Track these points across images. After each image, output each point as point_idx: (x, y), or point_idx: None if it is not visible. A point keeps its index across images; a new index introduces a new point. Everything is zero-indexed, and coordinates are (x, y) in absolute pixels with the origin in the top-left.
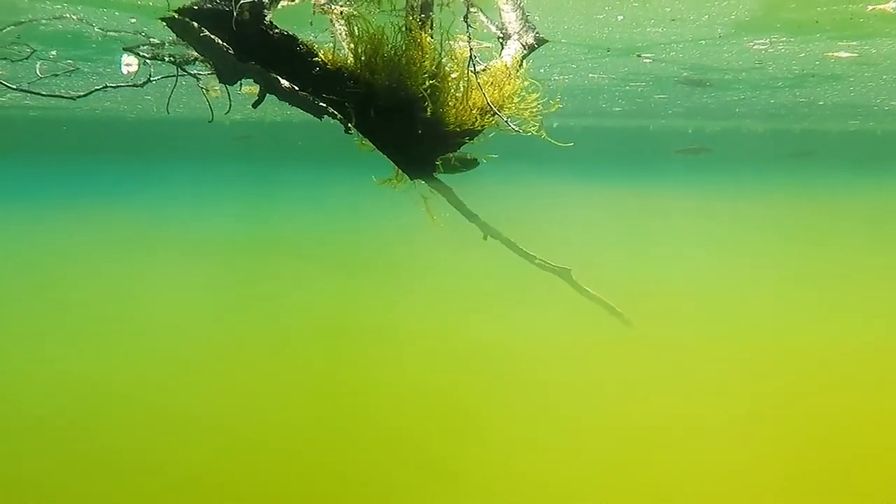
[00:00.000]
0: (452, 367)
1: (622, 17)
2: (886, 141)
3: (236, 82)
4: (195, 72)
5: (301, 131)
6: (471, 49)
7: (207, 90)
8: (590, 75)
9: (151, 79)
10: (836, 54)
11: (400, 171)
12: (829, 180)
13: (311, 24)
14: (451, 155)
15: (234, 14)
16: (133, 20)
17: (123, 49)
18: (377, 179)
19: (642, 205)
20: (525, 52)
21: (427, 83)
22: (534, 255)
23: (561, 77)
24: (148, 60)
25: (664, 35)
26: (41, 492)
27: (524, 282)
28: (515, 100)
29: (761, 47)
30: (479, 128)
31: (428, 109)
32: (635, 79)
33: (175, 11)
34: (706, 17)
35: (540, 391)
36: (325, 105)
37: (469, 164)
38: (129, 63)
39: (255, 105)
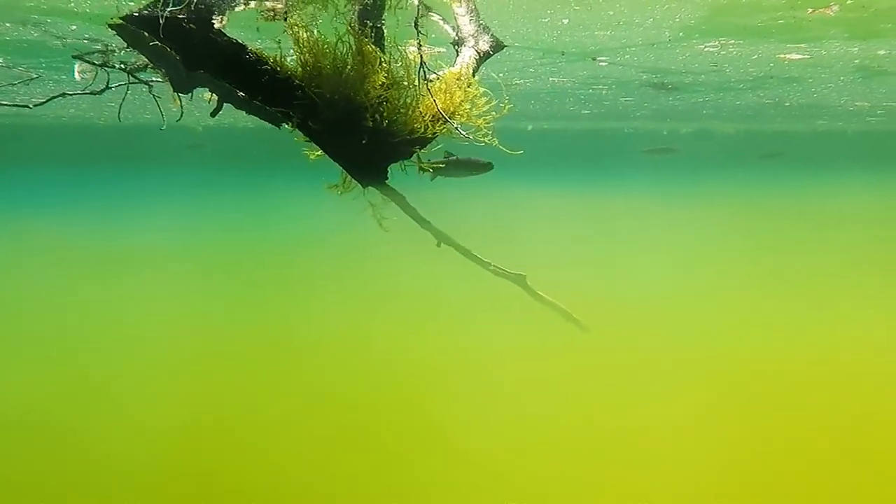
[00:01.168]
0: (410, 377)
1: (567, 21)
2: (856, 141)
3: (190, 91)
4: (148, 79)
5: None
6: (421, 56)
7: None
8: (550, 79)
9: (110, 86)
10: (787, 56)
11: (350, 178)
12: (795, 181)
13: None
14: (461, 158)
15: (184, 22)
16: (73, 27)
17: (73, 56)
18: (326, 186)
19: (607, 208)
20: (480, 58)
21: (374, 93)
22: (488, 261)
23: (522, 81)
24: (100, 67)
25: (614, 38)
26: None
27: (484, 290)
28: (467, 107)
29: (712, 49)
30: (430, 135)
31: (377, 118)
32: (596, 82)
33: (121, 18)
34: (651, 20)
35: (499, 398)
36: (276, 113)
37: (483, 167)
38: (83, 70)
39: (213, 114)
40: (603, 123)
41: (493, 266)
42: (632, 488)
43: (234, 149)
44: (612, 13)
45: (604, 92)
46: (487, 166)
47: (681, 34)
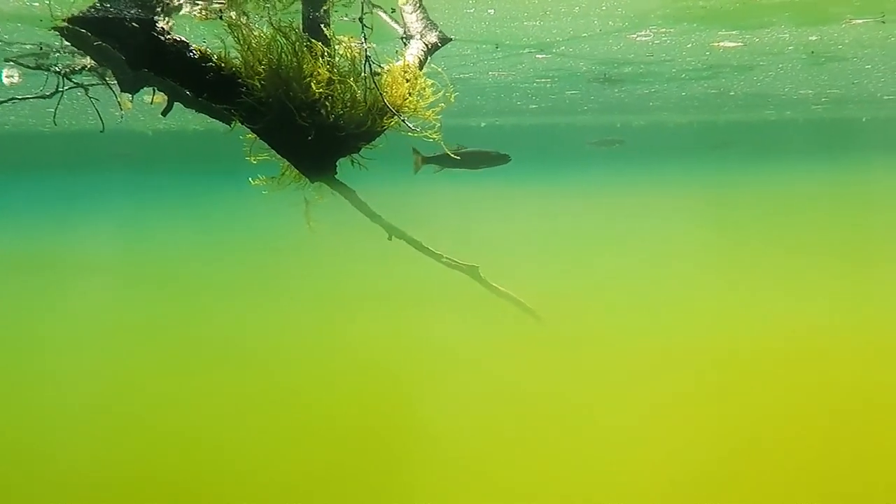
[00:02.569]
0: (369, 374)
1: (493, 12)
2: (806, 130)
3: (138, 90)
4: (87, 82)
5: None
6: (366, 51)
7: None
8: (490, 73)
9: (60, 90)
10: (721, 44)
11: (286, 174)
12: (742, 170)
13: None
14: (475, 151)
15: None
16: None
17: (4, 60)
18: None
19: (556, 201)
20: (427, 51)
21: (319, 88)
22: (440, 253)
23: (463, 76)
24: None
25: (544, 29)
26: None
27: (438, 285)
28: (414, 100)
29: (645, 38)
30: (378, 129)
31: (322, 113)
32: (537, 75)
33: (65, 20)
34: (577, 8)
35: (460, 394)
36: (223, 111)
37: (500, 159)
38: (11, 75)
39: (163, 113)
40: (555, 118)
41: (446, 258)
42: (598, 479)
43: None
44: (536, 1)
45: (548, 85)
46: (504, 158)
47: (609, 23)
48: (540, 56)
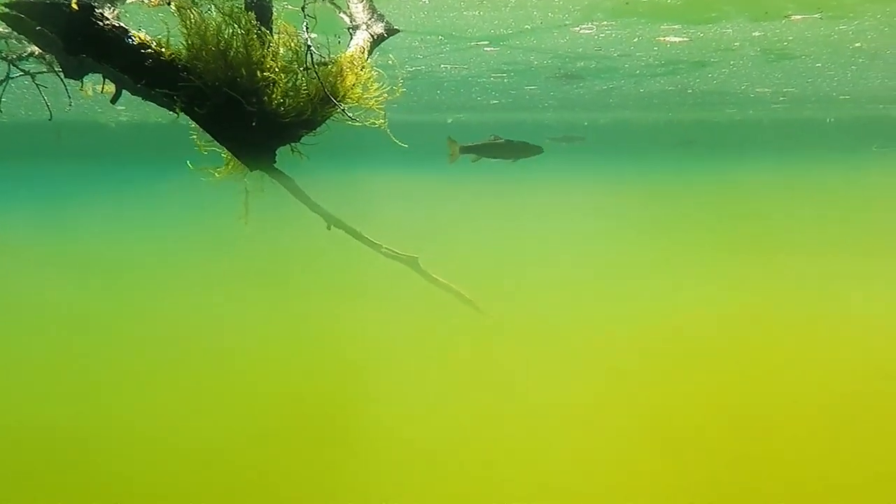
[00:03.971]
0: (307, 370)
1: (427, 0)
2: (771, 129)
3: (82, 77)
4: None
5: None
6: (308, 40)
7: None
8: (443, 66)
9: (10, 76)
10: (667, 39)
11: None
12: (694, 168)
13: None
14: (510, 142)
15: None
16: None
17: None
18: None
19: (508, 196)
20: (374, 41)
21: (261, 75)
22: (380, 244)
23: (418, 68)
24: None
25: (486, 20)
26: None
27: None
28: (359, 90)
29: (589, 32)
30: (319, 118)
31: (263, 101)
32: (490, 69)
33: (4, 5)
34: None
35: (396, 386)
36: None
37: (534, 150)
38: None
39: (113, 101)
40: (520, 114)
41: (386, 248)
42: (545, 468)
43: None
44: None
45: (506, 80)
46: (537, 150)
47: (550, 14)
48: (489, 49)
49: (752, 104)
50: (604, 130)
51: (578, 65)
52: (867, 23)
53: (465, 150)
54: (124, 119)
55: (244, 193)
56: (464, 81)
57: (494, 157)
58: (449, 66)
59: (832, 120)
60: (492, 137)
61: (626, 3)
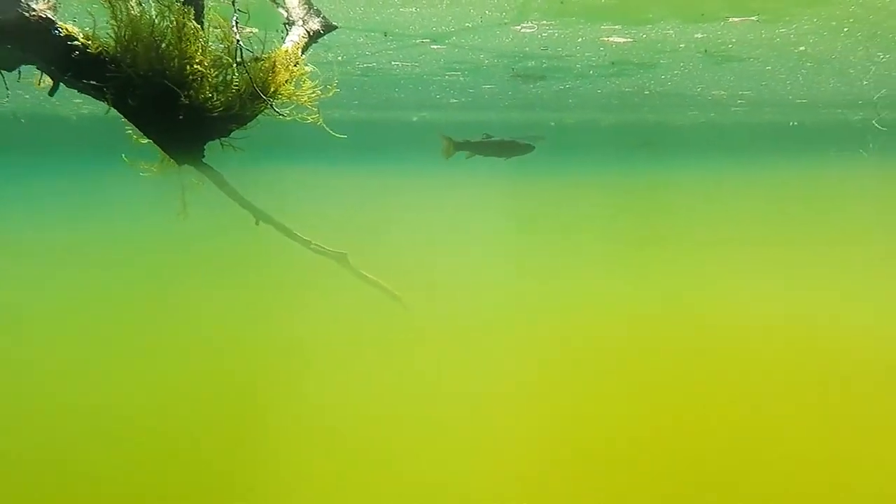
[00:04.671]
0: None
1: None
2: (734, 132)
3: (15, 69)
4: None
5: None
6: (237, 35)
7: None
8: (394, 63)
9: None
10: (610, 39)
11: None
12: (650, 170)
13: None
14: (502, 140)
15: None
16: None
17: None
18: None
19: (448, 196)
20: (310, 37)
21: (190, 69)
22: (309, 240)
23: (369, 65)
24: None
25: (424, 17)
26: None
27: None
28: (291, 86)
29: (530, 31)
30: (248, 113)
31: (194, 95)
32: (442, 68)
33: None
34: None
35: (323, 382)
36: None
37: (526, 148)
38: None
39: (50, 93)
40: (485, 114)
41: (314, 245)
42: (461, 468)
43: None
44: None
45: (461, 79)
46: (528, 148)
47: (488, 12)
48: (436, 47)
49: (712, 107)
50: (570, 131)
51: (529, 64)
52: (805, 26)
53: (459, 146)
54: (85, 112)
55: (188, 186)
56: (419, 79)
57: (487, 155)
58: (400, 64)
59: (795, 124)
60: (484, 135)
61: (562, 3)
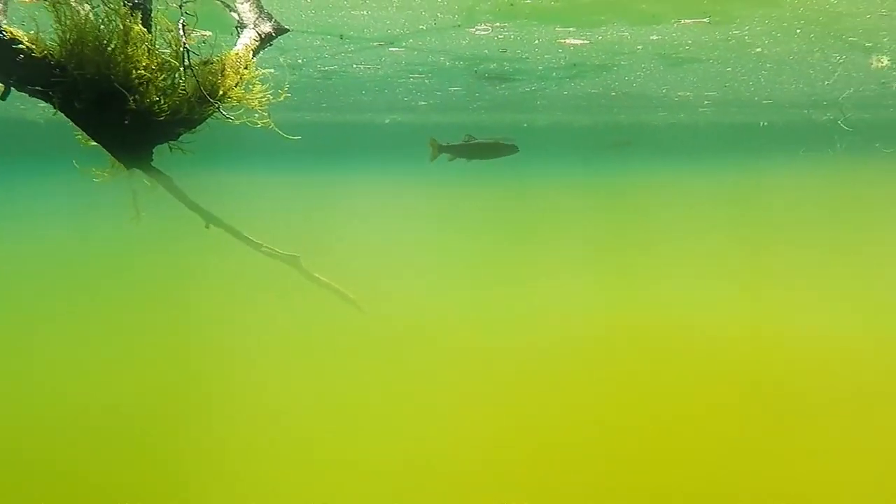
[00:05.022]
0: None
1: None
2: (706, 132)
3: None
4: None
5: None
6: (185, 39)
7: None
8: (355, 66)
9: None
10: (566, 41)
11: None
12: (618, 171)
13: None
14: (485, 141)
15: None
16: None
17: None
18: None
19: (415, 198)
20: (262, 40)
21: (136, 73)
22: (260, 243)
23: (330, 68)
24: None
25: (377, 20)
26: None
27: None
28: (240, 90)
29: (484, 33)
30: (197, 117)
31: (140, 99)
32: (404, 70)
33: None
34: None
35: (280, 384)
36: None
37: (508, 150)
38: None
39: (2, 97)
40: (458, 116)
41: (266, 248)
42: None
43: None
44: None
45: (427, 81)
46: (512, 149)
47: (438, 15)
48: (395, 49)
49: (680, 108)
50: (541, 133)
51: (491, 66)
52: (758, 28)
53: (444, 149)
54: (57, 116)
55: (142, 190)
56: (384, 82)
57: (471, 158)
58: (362, 67)
59: (765, 124)
60: (466, 138)
61: (511, 5)
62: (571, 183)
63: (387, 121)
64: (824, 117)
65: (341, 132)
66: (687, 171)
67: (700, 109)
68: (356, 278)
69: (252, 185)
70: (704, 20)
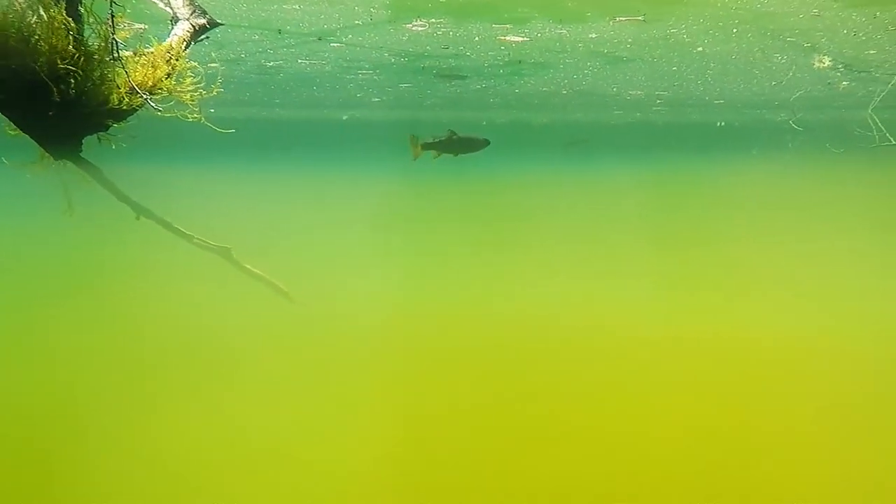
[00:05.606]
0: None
1: None
2: (662, 132)
3: None
4: None
5: None
6: (112, 30)
7: None
8: (300, 61)
9: None
10: (506, 38)
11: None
12: (569, 169)
13: None
14: (461, 136)
15: None
16: None
17: None
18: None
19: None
20: (195, 32)
21: (62, 63)
22: (192, 234)
23: (274, 63)
24: None
25: (311, 14)
26: None
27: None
28: (171, 82)
29: (420, 29)
30: (126, 108)
31: (63, 90)
32: (348, 66)
33: None
34: None
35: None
36: None
37: (480, 144)
38: None
39: None
40: (415, 113)
41: (197, 239)
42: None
43: None
44: None
45: (376, 77)
46: (485, 143)
47: (372, 9)
48: (336, 45)
49: (635, 107)
50: (501, 130)
51: (437, 63)
52: (694, 26)
53: (426, 146)
54: None
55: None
56: (333, 77)
57: (448, 153)
58: (308, 62)
59: (722, 124)
60: (448, 133)
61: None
62: (516, 181)
63: (345, 117)
64: (778, 118)
65: (299, 128)
66: (633, 170)
67: (654, 109)
68: (292, 272)
69: (211, 182)
70: (640, 18)
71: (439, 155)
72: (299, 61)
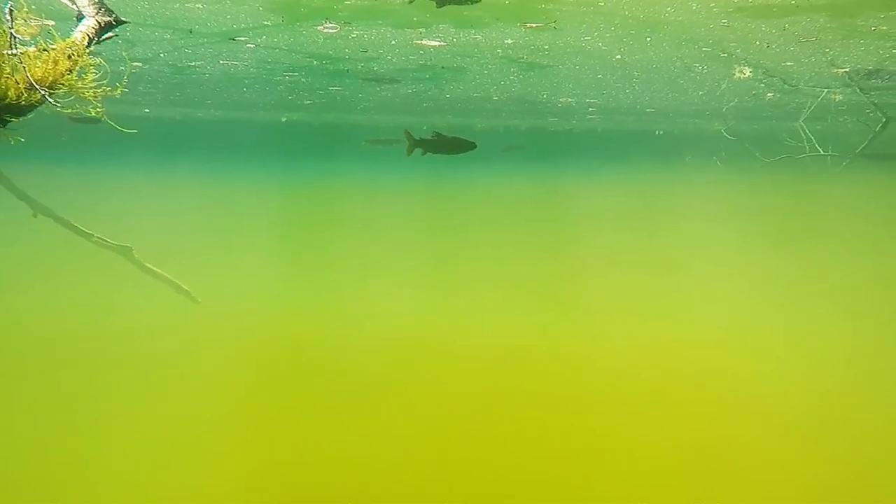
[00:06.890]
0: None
1: None
2: (602, 139)
3: None
4: None
5: None
6: (11, 24)
7: None
8: (221, 63)
9: None
10: (422, 42)
11: None
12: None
13: None
14: (447, 137)
15: None
16: None
17: None
18: None
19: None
20: (100, 28)
21: None
22: (91, 233)
23: (193, 64)
24: None
25: (215, 14)
26: None
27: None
28: (73, 78)
29: (331, 31)
30: (25, 104)
31: None
32: (267, 68)
33: None
34: None
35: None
36: None
37: (467, 146)
38: None
39: None
40: (353, 117)
41: (97, 237)
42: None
43: None
44: None
45: (302, 80)
46: (471, 145)
47: (270, 15)
48: (250, 46)
49: (568, 114)
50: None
51: (359, 66)
52: (607, 34)
53: (419, 143)
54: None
55: None
56: (259, 79)
57: (437, 152)
58: (229, 63)
59: (661, 132)
60: (433, 134)
61: (346, 1)
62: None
63: (283, 119)
64: (713, 127)
65: (241, 129)
66: (550, 178)
67: (588, 117)
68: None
69: (147, 185)
70: (552, 24)
71: (425, 153)
72: (221, 62)
